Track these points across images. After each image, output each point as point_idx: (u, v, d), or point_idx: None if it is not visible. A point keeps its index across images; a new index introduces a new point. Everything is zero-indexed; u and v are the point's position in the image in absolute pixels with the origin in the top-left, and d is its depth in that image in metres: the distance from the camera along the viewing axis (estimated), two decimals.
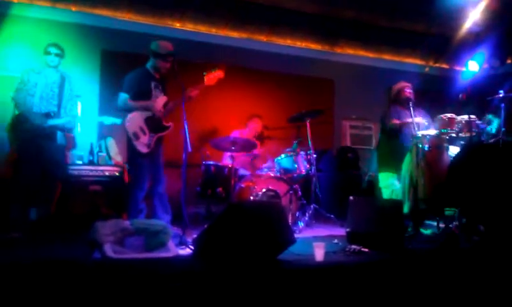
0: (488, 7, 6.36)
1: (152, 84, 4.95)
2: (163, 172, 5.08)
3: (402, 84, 6.00)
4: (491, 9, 6.44)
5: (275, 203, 4.75)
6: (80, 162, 5.50)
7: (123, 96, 4.84)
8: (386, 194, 6.05)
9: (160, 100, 4.95)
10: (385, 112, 6.02)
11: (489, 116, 5.66)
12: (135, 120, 4.83)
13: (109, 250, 3.45)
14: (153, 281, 3.11)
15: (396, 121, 5.74)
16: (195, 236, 4.00)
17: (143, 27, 6.70)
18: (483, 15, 6.57)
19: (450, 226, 5.30)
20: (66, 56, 5.06)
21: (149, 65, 5.01)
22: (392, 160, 5.85)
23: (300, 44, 7.69)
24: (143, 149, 4.82)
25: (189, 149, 4.33)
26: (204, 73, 5.08)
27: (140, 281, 3.10)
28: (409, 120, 5.48)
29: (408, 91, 5.91)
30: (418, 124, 5.54)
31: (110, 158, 5.80)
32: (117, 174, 5.43)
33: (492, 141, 5.49)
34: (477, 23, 6.86)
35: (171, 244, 3.77)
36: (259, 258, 3.57)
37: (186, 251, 4.01)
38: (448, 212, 5.48)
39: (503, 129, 5.58)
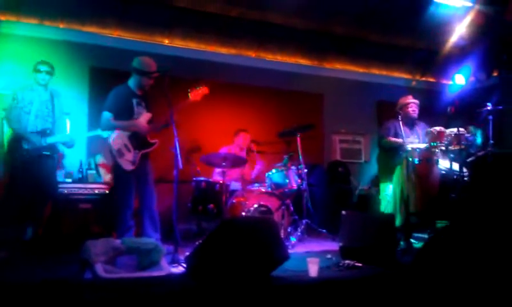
0: (474, 22, 6.45)
1: (134, 102, 4.91)
2: (153, 188, 5.02)
3: (409, 100, 6.07)
4: (477, 24, 6.53)
5: (268, 219, 4.72)
6: (69, 180, 5.43)
7: (106, 115, 4.80)
8: (383, 204, 6.11)
9: (143, 118, 4.91)
10: (382, 127, 6.14)
11: (471, 128, 5.72)
12: (119, 137, 4.79)
13: (100, 270, 3.39)
14: (146, 301, 3.07)
15: (391, 139, 5.85)
16: (187, 253, 3.96)
17: (131, 44, 6.69)
18: (469, 29, 6.66)
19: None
20: (54, 73, 5.02)
21: (131, 82, 4.96)
22: (389, 171, 5.90)
23: (289, 59, 7.73)
24: (128, 167, 4.76)
25: (180, 166, 4.30)
26: (189, 90, 5.04)
27: (133, 300, 3.06)
28: (400, 141, 5.58)
29: (412, 109, 5.99)
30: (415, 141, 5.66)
31: (99, 175, 5.74)
32: (107, 191, 5.36)
33: (481, 153, 5.55)
34: (463, 38, 6.95)
35: (163, 262, 3.71)
36: (253, 274, 3.54)
37: (179, 269, 3.97)
38: (439, 224, 5.50)
39: (491, 141, 5.66)
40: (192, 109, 5.28)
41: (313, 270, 3.78)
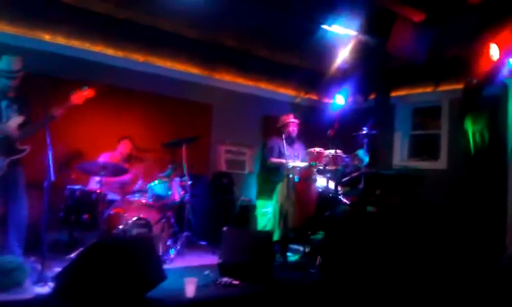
0: (355, 48, 6.84)
1: (3, 104, 4.54)
2: (22, 197, 4.64)
3: (290, 119, 6.32)
4: (358, 51, 6.93)
5: (145, 238, 4.59)
6: None
7: None
8: (262, 221, 6.26)
9: (12, 121, 4.54)
10: (265, 145, 6.31)
11: (360, 152, 6.09)
12: None
13: None
14: None
15: (273, 160, 6.06)
16: (56, 271, 3.72)
17: (6, 38, 6.03)
18: (351, 54, 7.04)
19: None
20: None
21: (0, 84, 4.58)
22: (269, 188, 6.08)
23: (179, 67, 7.59)
24: None
25: (52, 177, 4.01)
26: (72, 91, 4.76)
27: None
28: (283, 161, 5.82)
29: (292, 128, 6.26)
30: (295, 160, 5.89)
31: None
32: None
33: (355, 174, 5.92)
34: (345, 61, 7.33)
35: (27, 283, 3.43)
36: (126, 297, 3.41)
37: (45, 289, 3.70)
38: (313, 237, 5.75)
39: (364, 163, 6.07)
40: (75, 112, 4.96)
41: (189, 290, 3.74)
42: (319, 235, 5.74)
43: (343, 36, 6.45)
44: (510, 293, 4.17)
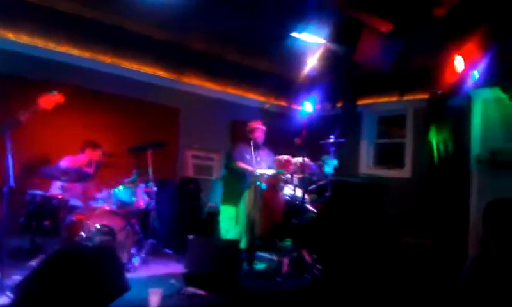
0: (324, 56, 6.89)
1: None
2: None
3: (257, 125, 6.34)
4: (325, 58, 6.99)
5: (108, 248, 4.47)
6: None
7: None
8: (225, 226, 6.23)
9: None
10: (232, 149, 6.29)
11: (326, 160, 6.13)
12: None
13: None
14: None
15: (240, 164, 6.04)
16: (16, 279, 3.59)
17: None
18: (319, 62, 7.10)
19: (284, 259, 5.52)
20: None
21: None
22: (234, 194, 6.06)
23: (147, 69, 7.45)
24: None
25: (12, 183, 3.86)
26: (39, 93, 4.59)
27: None
28: (250, 168, 5.87)
29: (258, 134, 6.25)
30: (261, 166, 5.89)
31: None
32: None
33: (322, 182, 5.95)
34: (314, 69, 7.39)
35: None
36: None
37: (4, 300, 3.56)
38: (281, 243, 5.73)
39: (331, 171, 6.10)
40: (40, 114, 4.76)
41: (153, 301, 3.66)
42: (287, 243, 5.73)
43: (312, 44, 6.50)
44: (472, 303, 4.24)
